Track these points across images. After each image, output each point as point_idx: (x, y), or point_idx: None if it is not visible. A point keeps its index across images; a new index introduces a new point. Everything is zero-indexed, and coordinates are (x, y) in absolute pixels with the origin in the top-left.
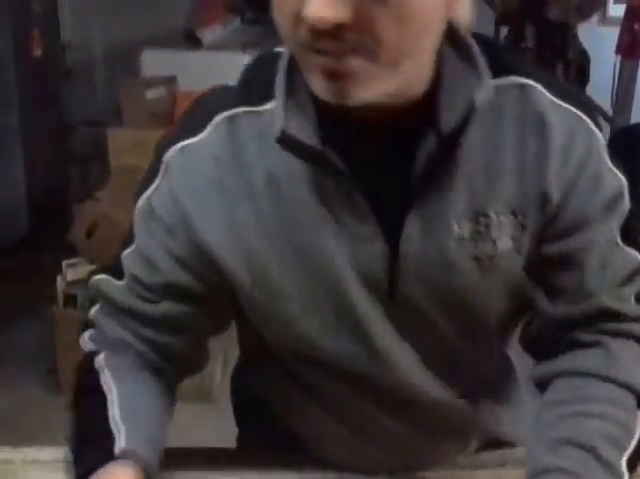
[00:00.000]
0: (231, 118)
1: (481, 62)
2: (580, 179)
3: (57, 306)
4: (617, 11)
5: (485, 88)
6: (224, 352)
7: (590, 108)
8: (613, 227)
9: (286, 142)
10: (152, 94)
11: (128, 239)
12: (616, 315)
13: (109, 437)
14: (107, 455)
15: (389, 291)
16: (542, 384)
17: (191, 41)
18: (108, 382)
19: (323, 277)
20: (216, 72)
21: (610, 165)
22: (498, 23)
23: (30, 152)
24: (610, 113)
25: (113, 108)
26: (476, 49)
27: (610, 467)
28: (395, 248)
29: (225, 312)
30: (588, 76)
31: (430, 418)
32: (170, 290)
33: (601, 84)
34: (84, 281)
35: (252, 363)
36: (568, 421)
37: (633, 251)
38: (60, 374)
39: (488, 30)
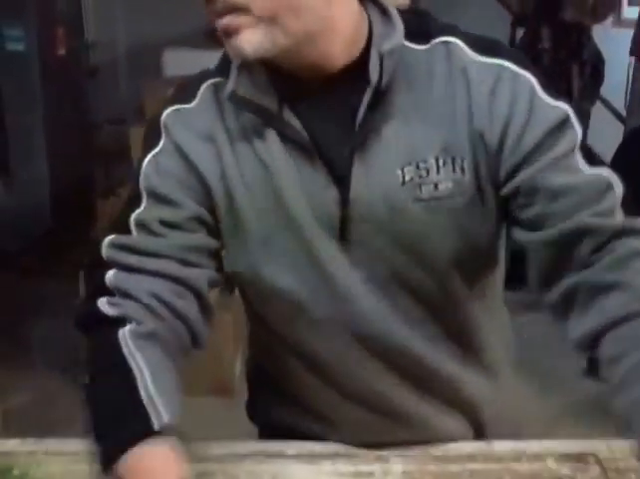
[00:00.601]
0: (215, 85)
1: (397, 22)
2: (513, 116)
3: (80, 301)
4: (632, 13)
5: (396, 34)
6: (244, 347)
7: (512, 54)
8: (567, 151)
9: (237, 101)
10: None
11: (133, 203)
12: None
13: (144, 415)
14: (141, 434)
15: (341, 233)
16: (587, 345)
17: (213, 41)
18: (136, 359)
19: (283, 217)
20: None
21: (545, 98)
22: (515, 25)
23: (55, 149)
24: (624, 113)
25: (136, 106)
26: (394, 12)
27: None
28: (345, 194)
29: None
30: (603, 77)
31: (401, 368)
32: (187, 223)
33: (615, 85)
34: None
35: (253, 334)
36: None
37: (598, 170)
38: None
39: (505, 32)
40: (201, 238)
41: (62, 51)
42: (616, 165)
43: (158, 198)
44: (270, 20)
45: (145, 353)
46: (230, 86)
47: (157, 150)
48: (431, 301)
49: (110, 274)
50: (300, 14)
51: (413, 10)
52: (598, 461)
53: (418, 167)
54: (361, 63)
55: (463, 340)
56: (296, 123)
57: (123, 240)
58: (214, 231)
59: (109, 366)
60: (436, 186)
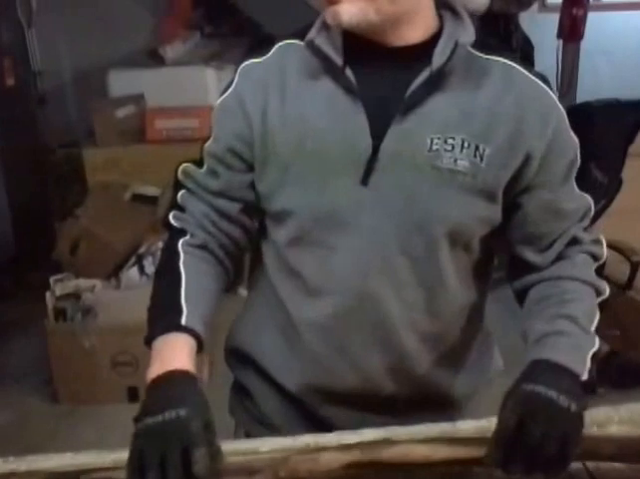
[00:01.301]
0: (287, 45)
1: (468, 22)
2: (554, 145)
3: (48, 321)
4: None
5: (468, 34)
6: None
7: (549, 83)
8: (572, 180)
9: (311, 48)
10: (121, 112)
11: (209, 136)
12: (579, 241)
13: (176, 313)
14: (173, 326)
15: (363, 178)
16: (523, 292)
17: (155, 59)
18: (181, 266)
19: (311, 151)
20: (181, 86)
21: (570, 133)
22: None
23: (11, 176)
24: (556, 94)
25: (86, 129)
26: (465, 14)
27: (586, 331)
28: (377, 145)
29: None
30: (533, 62)
31: (382, 335)
32: (233, 161)
33: (546, 68)
34: (72, 295)
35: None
36: (555, 305)
37: (583, 193)
38: (55, 384)
39: None
40: (240, 173)
41: (11, 81)
42: None
43: (214, 134)
44: (368, 1)
45: (192, 261)
46: (311, 35)
47: (225, 95)
48: (419, 269)
49: (180, 193)
50: (397, 3)
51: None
52: None
53: (445, 141)
54: (428, 47)
55: (436, 321)
56: (353, 78)
57: (189, 169)
58: (250, 164)
59: (165, 268)
60: (455, 161)
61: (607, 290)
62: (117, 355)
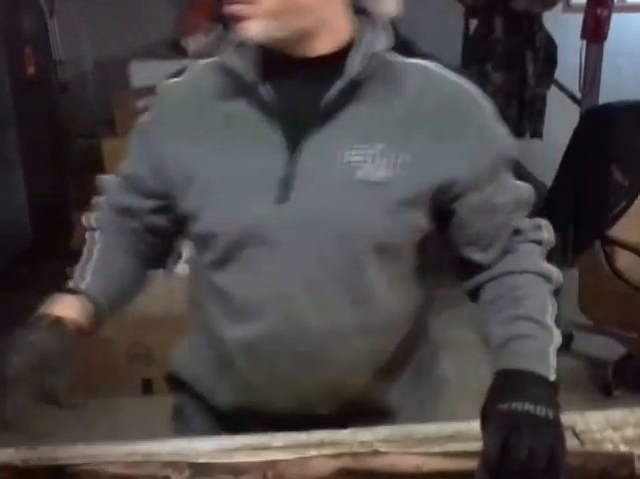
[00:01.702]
0: (205, 65)
1: (383, 27)
2: (480, 142)
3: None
4: None
5: (382, 41)
6: None
7: (473, 88)
8: (507, 173)
9: (222, 68)
10: (142, 104)
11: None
12: (520, 231)
13: (78, 281)
14: (72, 290)
15: (279, 195)
16: (474, 292)
17: (177, 51)
18: (94, 245)
19: (229, 169)
20: None
21: (497, 126)
22: (467, 16)
23: (30, 165)
24: (579, 95)
25: (106, 119)
26: (380, 20)
27: (545, 327)
28: (294, 160)
29: None
30: (556, 62)
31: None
32: (138, 186)
33: (569, 68)
34: None
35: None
36: (509, 305)
37: (521, 182)
38: None
39: (459, 24)
40: (144, 198)
41: (31, 70)
42: (576, 143)
43: (128, 155)
44: (275, 15)
45: (103, 243)
46: (223, 55)
47: (145, 116)
48: (346, 286)
49: (96, 199)
50: (302, 14)
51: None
52: (575, 434)
53: (364, 152)
54: (341, 57)
55: (369, 336)
56: (268, 91)
57: (105, 180)
58: (155, 191)
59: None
60: (375, 172)
61: (557, 275)
62: (131, 347)
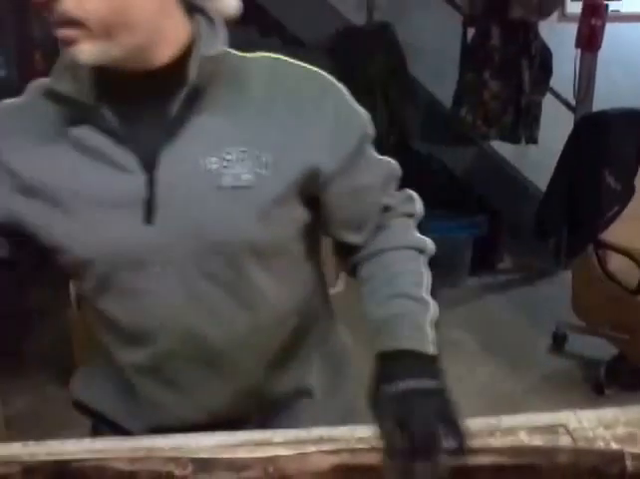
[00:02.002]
0: (40, 85)
1: (221, 28)
2: (339, 127)
3: (71, 309)
4: (575, 8)
5: (220, 41)
6: None
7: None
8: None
9: (54, 96)
10: None
11: None
12: (391, 207)
13: None
14: None
15: (146, 216)
16: (355, 269)
17: None
18: None
19: (89, 197)
20: None
21: (353, 107)
22: (466, 25)
23: None
24: (573, 102)
25: None
26: (219, 20)
27: (421, 301)
28: (152, 179)
29: None
30: (551, 70)
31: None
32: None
33: (564, 76)
34: None
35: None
36: (384, 283)
37: (385, 158)
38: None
39: (457, 32)
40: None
41: (41, 75)
42: (570, 149)
43: None
44: (105, 35)
45: None
46: (50, 82)
47: None
48: (233, 292)
49: None
50: (133, 30)
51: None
52: (568, 431)
53: (223, 158)
54: (181, 64)
55: (266, 333)
56: (110, 115)
57: None
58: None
59: None
60: (237, 176)
61: (430, 244)
62: None
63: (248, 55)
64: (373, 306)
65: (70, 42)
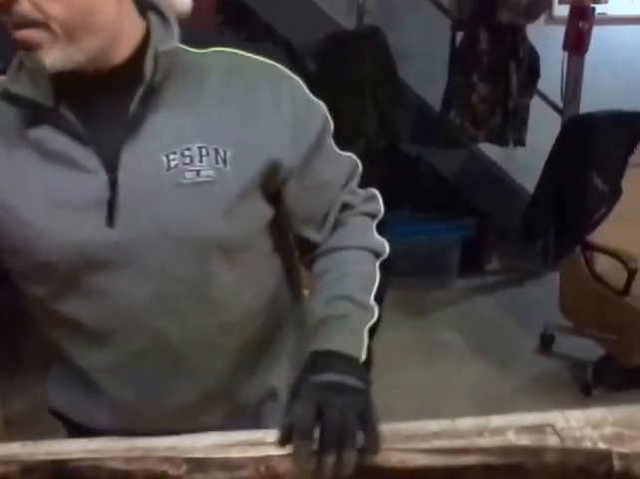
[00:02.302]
0: None
1: (173, 24)
2: (296, 121)
3: None
4: (562, 11)
5: (173, 38)
6: None
7: (279, 68)
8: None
9: (10, 98)
10: None
11: None
12: (351, 205)
13: None
14: None
15: (109, 217)
16: (310, 265)
17: None
18: None
19: (51, 200)
20: None
21: (310, 99)
22: (454, 29)
23: None
24: (561, 105)
25: None
26: (172, 20)
27: (363, 305)
28: (114, 179)
29: None
30: (539, 72)
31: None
32: None
33: (551, 79)
34: None
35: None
36: (333, 282)
37: (345, 154)
38: None
39: (446, 36)
40: None
41: None
42: (557, 151)
43: None
44: (68, 38)
45: None
46: (5, 83)
47: None
48: (198, 291)
49: None
50: (95, 32)
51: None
52: (556, 431)
53: (183, 154)
54: (137, 62)
55: (233, 331)
56: (70, 115)
57: None
58: None
59: None
60: (198, 172)
61: (386, 248)
62: None
63: (204, 50)
64: (317, 304)
65: (31, 45)
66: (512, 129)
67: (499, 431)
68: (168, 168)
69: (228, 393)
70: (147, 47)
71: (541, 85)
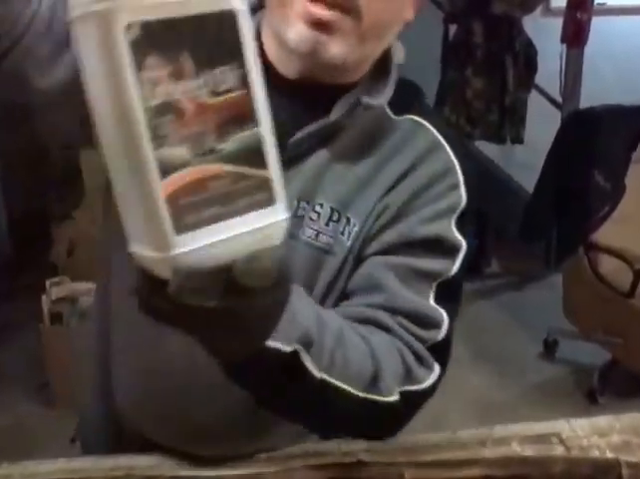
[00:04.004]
0: None
1: (391, 80)
2: (422, 213)
3: (44, 324)
4: (559, 2)
5: (382, 94)
6: None
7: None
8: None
9: None
10: None
11: None
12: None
13: None
14: None
15: None
16: None
17: None
18: None
19: None
20: None
21: (454, 225)
22: (447, 22)
23: (8, 176)
24: (560, 99)
25: (85, 131)
26: (393, 74)
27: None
28: None
29: None
30: (536, 66)
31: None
32: None
33: (549, 73)
34: (68, 299)
35: None
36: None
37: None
38: (51, 388)
39: (438, 30)
40: None
41: None
42: (557, 148)
43: None
44: (362, 36)
45: None
46: None
47: None
48: None
49: None
50: (381, 40)
51: (404, 81)
52: (561, 441)
53: (313, 208)
54: (340, 91)
55: None
56: None
57: None
58: None
59: None
60: (317, 234)
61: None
62: None
63: (402, 116)
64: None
65: (327, 28)
66: (510, 125)
67: (503, 441)
68: (295, 214)
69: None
70: (356, 84)
71: (539, 79)
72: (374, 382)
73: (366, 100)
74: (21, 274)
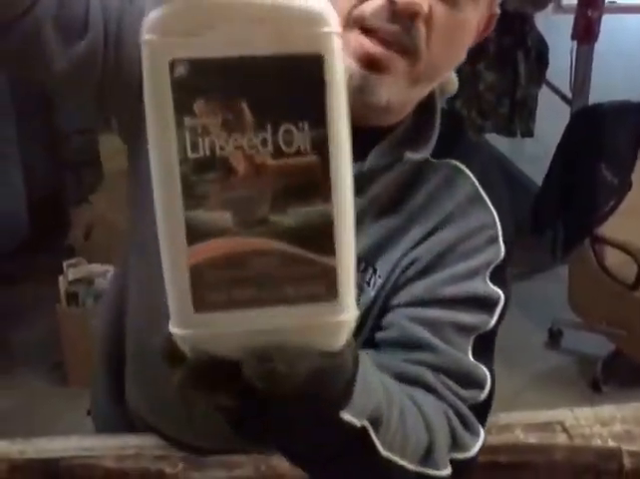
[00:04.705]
0: None
1: (433, 135)
2: (456, 267)
3: (60, 305)
4: None
5: (426, 147)
6: None
7: (505, 218)
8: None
9: None
10: None
11: None
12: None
13: None
14: None
15: None
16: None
17: None
18: None
19: None
20: None
21: (487, 280)
22: None
23: (28, 160)
24: (569, 95)
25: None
26: (437, 122)
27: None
28: None
29: None
30: (547, 62)
31: None
32: None
33: (560, 69)
34: (84, 280)
35: None
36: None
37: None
38: (65, 368)
39: None
40: None
41: None
42: (566, 142)
43: None
44: (412, 82)
45: None
46: None
47: None
48: None
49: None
50: (432, 83)
51: (447, 112)
52: (564, 429)
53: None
54: (378, 135)
55: None
56: None
57: None
58: None
59: None
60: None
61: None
62: None
63: (443, 159)
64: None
65: (381, 67)
66: (520, 119)
67: (507, 429)
68: None
69: None
70: (395, 127)
71: (550, 75)
72: (428, 455)
73: (409, 156)
74: (39, 256)
